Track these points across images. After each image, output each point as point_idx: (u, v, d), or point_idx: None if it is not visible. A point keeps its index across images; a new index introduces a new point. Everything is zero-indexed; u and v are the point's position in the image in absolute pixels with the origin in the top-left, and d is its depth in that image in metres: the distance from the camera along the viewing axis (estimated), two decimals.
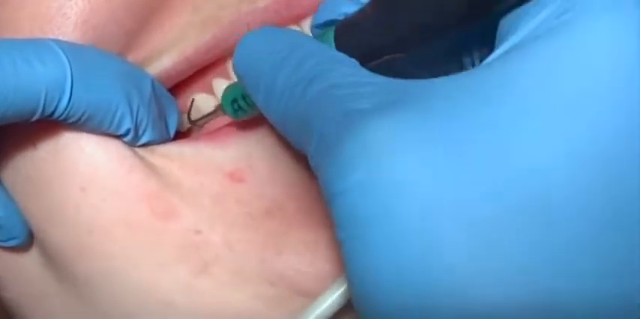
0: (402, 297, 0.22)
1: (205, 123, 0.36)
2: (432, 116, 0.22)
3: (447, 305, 0.21)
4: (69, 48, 0.31)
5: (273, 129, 0.33)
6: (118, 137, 0.33)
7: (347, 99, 0.24)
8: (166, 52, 0.34)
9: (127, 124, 0.32)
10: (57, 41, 0.31)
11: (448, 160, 0.22)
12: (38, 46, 0.30)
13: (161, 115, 0.34)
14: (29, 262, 0.35)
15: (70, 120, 0.31)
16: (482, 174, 0.22)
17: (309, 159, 0.25)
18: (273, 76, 0.27)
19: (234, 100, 0.33)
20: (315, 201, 0.33)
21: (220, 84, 0.35)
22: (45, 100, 0.30)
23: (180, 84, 0.36)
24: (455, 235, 0.21)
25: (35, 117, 0.30)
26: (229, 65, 0.36)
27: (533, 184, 0.21)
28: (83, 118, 0.31)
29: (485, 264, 0.21)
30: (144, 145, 0.34)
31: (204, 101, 0.36)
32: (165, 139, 0.35)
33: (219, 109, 0.34)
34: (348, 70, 0.26)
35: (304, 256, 0.33)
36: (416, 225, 0.22)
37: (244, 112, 0.33)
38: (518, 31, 0.24)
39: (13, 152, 0.33)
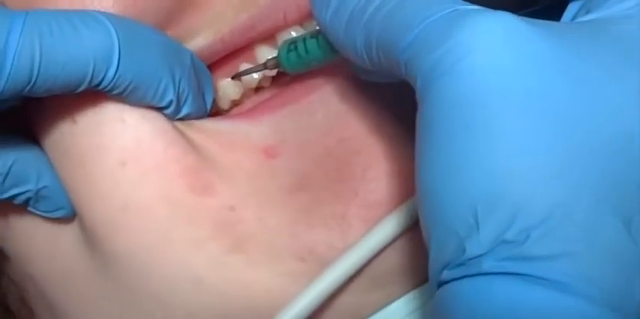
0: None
1: (248, 73, 0.36)
2: (549, 26, 0.24)
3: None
4: (115, 18, 0.31)
5: (301, 104, 0.35)
6: (159, 110, 0.33)
7: (450, 1, 0.25)
8: (202, 31, 0.35)
9: (170, 96, 0.32)
10: (102, 12, 0.31)
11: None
12: (85, 15, 0.30)
13: (199, 89, 0.34)
14: (68, 237, 0.35)
15: (116, 91, 0.31)
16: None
17: (396, 55, 0.26)
18: None
19: (294, 42, 0.34)
20: (344, 173, 0.34)
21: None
22: (93, 70, 0.30)
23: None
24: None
25: (82, 88, 0.30)
26: (258, 51, 0.37)
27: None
28: (129, 89, 0.31)
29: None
30: (182, 119, 0.34)
31: (229, 86, 0.37)
32: (202, 114, 0.35)
33: (269, 61, 0.35)
34: None
35: (334, 230, 0.33)
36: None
37: (298, 56, 0.34)
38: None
39: (51, 126, 0.33)
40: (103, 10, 0.32)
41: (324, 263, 0.33)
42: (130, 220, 0.33)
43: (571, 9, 0.29)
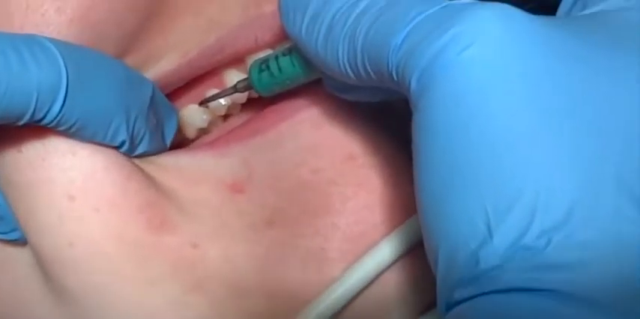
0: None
1: (217, 98, 0.34)
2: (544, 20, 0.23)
3: None
4: (66, 48, 0.29)
5: (269, 135, 0.33)
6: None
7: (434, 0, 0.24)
8: (167, 54, 0.32)
9: (123, 136, 0.30)
10: (53, 40, 0.29)
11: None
12: (33, 43, 0.28)
13: (158, 125, 0.32)
14: (20, 261, 0.33)
15: (61, 128, 0.29)
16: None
17: (385, 59, 0.24)
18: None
19: (265, 61, 0.32)
20: (321, 206, 0.32)
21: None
22: (36, 104, 0.28)
23: (169, 95, 0.34)
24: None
25: (22, 122, 0.28)
26: (225, 75, 0.35)
27: None
28: (75, 127, 0.29)
29: None
30: (138, 156, 0.32)
31: (194, 113, 0.35)
32: (161, 149, 0.33)
33: (240, 83, 0.33)
34: None
35: (310, 265, 0.31)
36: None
37: (270, 76, 0.32)
38: None
39: None
40: (56, 33, 0.30)
41: (297, 302, 0.31)
42: (77, 258, 0.30)
43: (564, 5, 0.27)
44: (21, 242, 0.32)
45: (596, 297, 0.20)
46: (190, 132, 0.35)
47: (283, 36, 0.33)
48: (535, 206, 0.20)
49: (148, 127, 0.31)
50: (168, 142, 0.33)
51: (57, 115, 0.28)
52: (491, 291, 0.20)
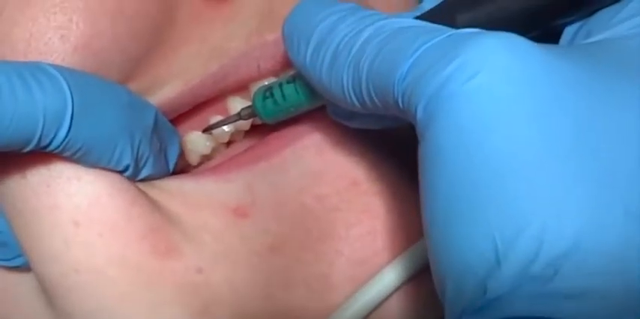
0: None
1: (221, 125, 0.34)
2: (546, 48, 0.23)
3: None
4: (71, 75, 0.29)
5: (273, 161, 0.33)
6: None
7: (439, 29, 0.24)
8: (170, 81, 0.32)
9: (127, 160, 0.30)
10: (58, 67, 0.29)
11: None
12: (38, 70, 0.28)
13: (161, 149, 0.32)
14: (27, 287, 0.33)
15: (66, 154, 0.29)
16: None
17: (391, 87, 0.24)
18: (331, 26, 0.26)
19: (269, 89, 0.32)
20: (325, 232, 0.32)
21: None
22: (42, 131, 0.28)
23: (173, 121, 0.34)
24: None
25: (28, 148, 0.28)
26: (229, 102, 0.35)
27: None
28: (80, 153, 0.29)
29: None
30: (142, 180, 0.32)
31: (197, 140, 0.35)
32: (164, 173, 0.33)
33: (244, 111, 0.33)
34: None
35: (314, 291, 0.31)
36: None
37: (274, 103, 0.32)
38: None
39: (0, 181, 0.31)
40: (60, 60, 0.30)
41: None
42: (82, 283, 0.30)
43: (567, 33, 0.27)
44: (24, 268, 0.32)
45: None
46: (194, 159, 0.35)
47: (286, 64, 0.33)
48: (543, 234, 0.20)
49: (152, 151, 0.31)
50: (172, 166, 0.33)
51: (63, 141, 0.28)
52: None
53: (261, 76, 0.34)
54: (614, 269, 0.20)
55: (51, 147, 0.28)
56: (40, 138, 0.28)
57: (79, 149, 0.29)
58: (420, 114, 0.23)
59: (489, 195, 0.21)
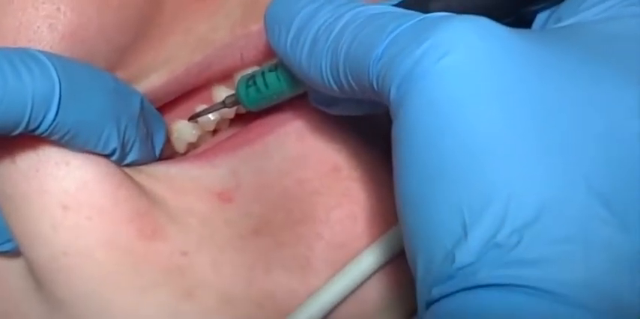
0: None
1: (206, 113, 0.35)
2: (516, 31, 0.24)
3: None
4: (58, 61, 0.29)
5: (256, 146, 0.33)
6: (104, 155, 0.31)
7: (413, 14, 0.25)
8: (156, 71, 0.33)
9: (114, 144, 0.31)
10: (46, 53, 0.30)
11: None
12: (27, 56, 0.29)
13: (148, 134, 0.33)
14: (13, 272, 0.33)
15: (54, 137, 0.30)
16: None
17: (366, 70, 0.25)
18: (311, 13, 0.27)
19: (252, 77, 0.32)
20: (306, 215, 0.32)
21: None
22: (30, 114, 0.28)
23: (159, 109, 0.35)
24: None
25: (17, 131, 0.29)
26: (214, 91, 0.35)
27: None
28: (68, 136, 0.30)
29: None
30: (129, 165, 0.32)
31: (184, 128, 0.36)
32: (151, 159, 0.34)
33: (228, 99, 0.34)
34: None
35: (295, 274, 0.32)
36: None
37: (257, 91, 0.32)
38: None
39: None
40: (49, 48, 0.30)
41: (283, 310, 0.31)
42: (71, 266, 0.31)
43: (539, 19, 0.28)
44: (14, 253, 0.33)
45: (566, 293, 0.21)
46: (180, 147, 0.36)
47: (268, 53, 0.34)
48: (507, 206, 0.21)
49: (139, 136, 0.32)
50: (158, 151, 0.34)
51: (51, 124, 0.29)
52: (467, 288, 0.21)
53: (245, 66, 0.35)
54: (575, 239, 0.21)
55: (40, 130, 0.29)
56: (29, 121, 0.28)
57: (67, 132, 0.29)
58: (393, 94, 0.24)
59: (458, 169, 0.22)
